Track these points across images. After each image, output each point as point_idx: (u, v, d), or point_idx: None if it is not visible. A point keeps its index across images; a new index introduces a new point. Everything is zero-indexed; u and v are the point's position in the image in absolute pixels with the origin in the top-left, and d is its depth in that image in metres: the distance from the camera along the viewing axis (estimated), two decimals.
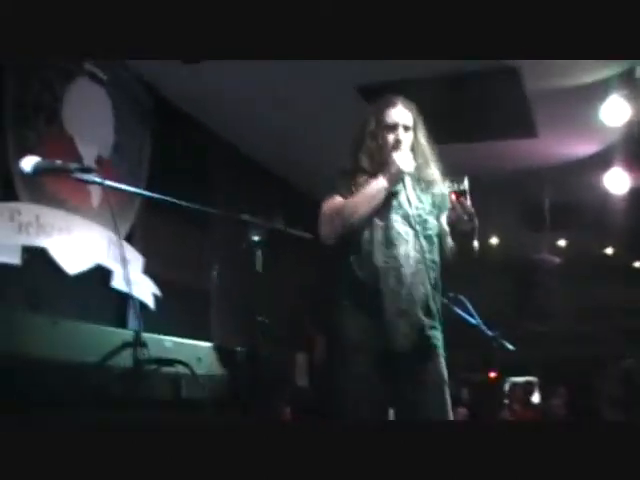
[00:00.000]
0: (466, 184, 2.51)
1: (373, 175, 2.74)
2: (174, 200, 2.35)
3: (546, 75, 4.64)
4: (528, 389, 8.20)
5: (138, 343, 2.12)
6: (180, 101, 4.99)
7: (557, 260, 8.04)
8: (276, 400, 5.05)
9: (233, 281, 5.17)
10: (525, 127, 5.40)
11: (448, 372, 2.70)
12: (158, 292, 4.56)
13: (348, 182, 2.76)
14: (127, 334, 2.25)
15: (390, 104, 2.79)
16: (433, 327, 2.69)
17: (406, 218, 2.73)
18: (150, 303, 4.49)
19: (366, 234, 2.70)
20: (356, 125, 2.85)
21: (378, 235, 2.70)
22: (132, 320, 4.19)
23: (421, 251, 2.68)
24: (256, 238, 2.30)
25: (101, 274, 4.15)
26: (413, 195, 2.78)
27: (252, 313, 2.55)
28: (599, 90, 4.81)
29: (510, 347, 4.46)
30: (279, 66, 4.04)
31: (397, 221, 2.72)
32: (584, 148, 5.84)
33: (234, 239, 2.51)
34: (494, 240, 8.53)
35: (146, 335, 2.20)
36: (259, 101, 5.00)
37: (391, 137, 2.75)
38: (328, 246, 2.72)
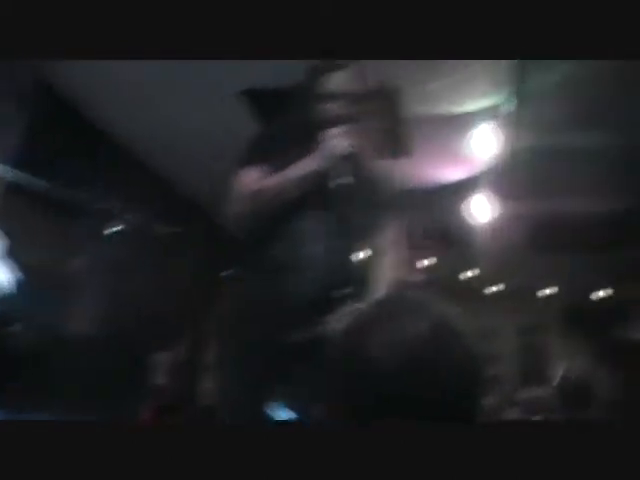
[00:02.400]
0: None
1: (304, 145, 2.29)
2: (39, 183, 2.32)
3: (423, 100, 4.84)
4: None
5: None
6: (61, 87, 4.87)
7: (421, 278, 8.34)
8: (134, 398, 5.01)
9: (97, 270, 5.09)
10: (399, 147, 5.59)
11: None
12: (21, 276, 4.44)
13: (270, 148, 2.32)
14: None
15: (339, 66, 2.29)
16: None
17: (329, 211, 2.32)
18: (11, 287, 4.37)
19: (275, 224, 2.29)
20: (297, 80, 2.37)
21: (289, 228, 2.30)
22: None
23: (336, 251, 2.32)
24: (120, 227, 2.26)
25: None
26: (344, 183, 2.27)
27: (114, 304, 2.53)
28: (470, 120, 5.08)
29: None
30: (167, 64, 4.02)
31: (316, 213, 2.31)
32: (453, 174, 6.11)
33: (101, 228, 2.48)
34: (362, 254, 8.75)
35: None
36: (147, 98, 4.95)
37: (332, 108, 2.28)
38: (235, 228, 2.32)
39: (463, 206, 6.24)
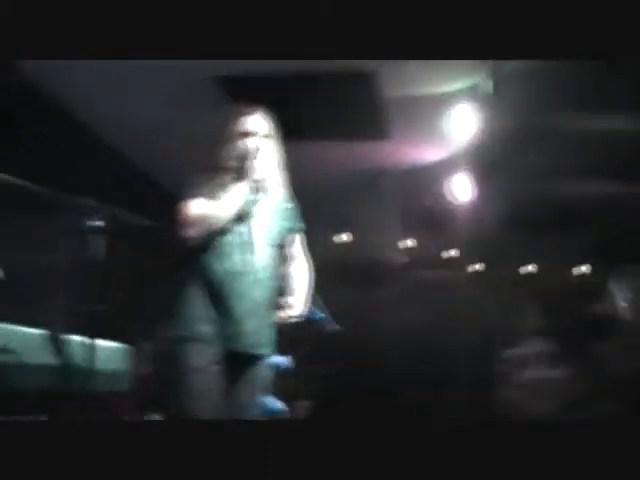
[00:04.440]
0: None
1: (235, 176, 2.91)
2: (11, 179, 2.26)
3: (400, 82, 4.80)
4: None
5: None
6: (31, 75, 4.75)
7: (403, 260, 8.31)
8: (115, 390, 4.93)
9: (72, 266, 5.00)
10: (377, 130, 5.55)
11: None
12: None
13: (209, 182, 2.90)
14: None
15: (250, 112, 3.00)
16: (273, 330, 2.98)
17: (260, 225, 2.95)
18: None
19: (226, 238, 2.87)
20: (217, 126, 3.01)
21: (236, 240, 2.88)
22: None
23: (270, 258, 2.95)
24: (95, 223, 2.24)
25: None
26: (266, 203, 3.00)
27: (89, 300, 2.49)
28: (448, 101, 5.04)
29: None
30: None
31: (252, 227, 2.92)
32: (432, 154, 6.08)
33: (75, 223, 2.43)
34: (345, 237, 8.72)
35: None
36: (115, 87, 4.86)
37: (251, 144, 2.93)
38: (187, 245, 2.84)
39: (442, 187, 6.21)
